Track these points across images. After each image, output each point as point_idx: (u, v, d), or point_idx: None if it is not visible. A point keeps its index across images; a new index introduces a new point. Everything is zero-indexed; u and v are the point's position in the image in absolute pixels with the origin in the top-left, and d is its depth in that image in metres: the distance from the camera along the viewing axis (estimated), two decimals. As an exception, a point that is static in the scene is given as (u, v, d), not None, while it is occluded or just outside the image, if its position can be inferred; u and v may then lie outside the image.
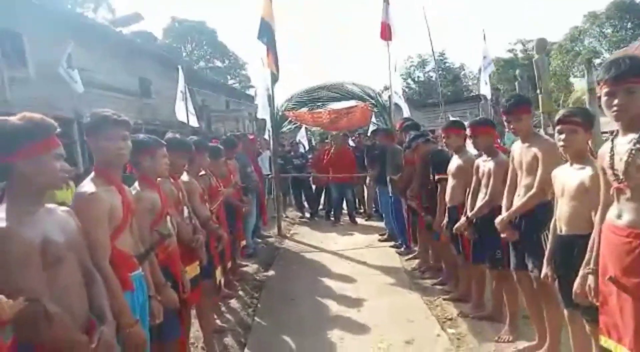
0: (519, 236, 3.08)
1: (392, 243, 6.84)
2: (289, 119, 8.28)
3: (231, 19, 72.83)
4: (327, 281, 5.32)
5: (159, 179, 3.06)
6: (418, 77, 46.84)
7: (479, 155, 3.78)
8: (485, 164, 3.58)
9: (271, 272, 5.82)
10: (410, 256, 6.07)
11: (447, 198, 4.17)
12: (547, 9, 64.63)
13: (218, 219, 4.38)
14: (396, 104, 7.99)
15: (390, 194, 6.28)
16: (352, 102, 7.92)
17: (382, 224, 8.38)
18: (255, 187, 6.68)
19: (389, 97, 7.99)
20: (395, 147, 6.08)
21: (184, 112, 9.04)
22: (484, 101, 12.20)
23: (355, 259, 6.17)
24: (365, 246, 6.92)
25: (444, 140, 4.09)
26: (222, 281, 4.78)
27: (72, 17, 11.22)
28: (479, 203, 3.62)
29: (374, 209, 9.39)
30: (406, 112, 8.03)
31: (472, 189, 3.73)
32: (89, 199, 2.09)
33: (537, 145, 2.92)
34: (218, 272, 3.83)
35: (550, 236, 2.70)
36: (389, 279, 5.29)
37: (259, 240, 7.41)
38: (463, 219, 3.71)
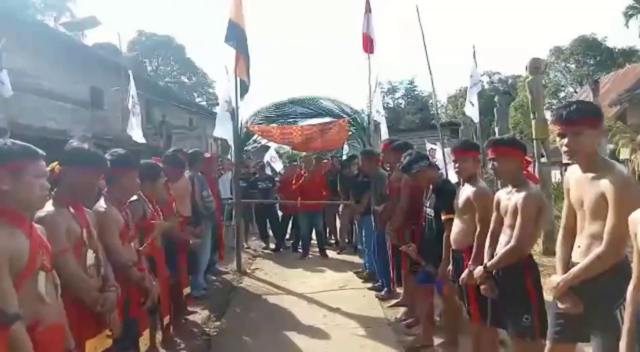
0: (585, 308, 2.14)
1: (370, 284, 5.87)
2: (255, 135, 7.27)
3: (201, 36, 71.31)
4: (293, 337, 4.25)
5: (44, 211, 2.03)
6: (387, 104, 47.13)
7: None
8: (509, 198, 2.70)
9: (224, 323, 4.70)
10: (393, 301, 5.10)
11: (452, 239, 3.26)
12: (512, 42, 67.13)
13: (154, 261, 3.33)
14: (375, 124, 7.12)
15: (374, 228, 5.33)
16: (327, 119, 6.99)
17: (356, 259, 7.46)
18: (212, 214, 5.60)
19: (368, 115, 7.13)
20: (380, 172, 5.17)
21: (132, 125, 7.89)
22: (464, 127, 11.60)
23: (328, 305, 5.13)
24: (339, 287, 5.90)
25: (456, 165, 3.19)
26: (159, 339, 3.69)
27: (10, 15, 9.96)
28: (499, 249, 2.72)
29: (346, 241, 8.43)
30: (385, 134, 7.18)
31: (491, 229, 2.84)
32: None
33: (608, 177, 2.02)
34: (143, 339, 2.73)
35: (627, 310, 1.80)
36: (370, 334, 4.28)
37: (214, 277, 6.28)
38: (479, 269, 2.79)
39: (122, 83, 8.30)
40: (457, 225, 3.20)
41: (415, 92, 47.36)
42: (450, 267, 3.33)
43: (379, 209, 4.68)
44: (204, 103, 37.47)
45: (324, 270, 6.86)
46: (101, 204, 2.63)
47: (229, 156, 9.38)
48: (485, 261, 2.80)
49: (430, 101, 47.78)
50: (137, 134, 7.96)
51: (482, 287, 2.78)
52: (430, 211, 3.66)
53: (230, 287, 6.05)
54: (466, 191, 3.11)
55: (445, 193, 3.51)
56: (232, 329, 4.54)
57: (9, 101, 9.70)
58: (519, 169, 2.70)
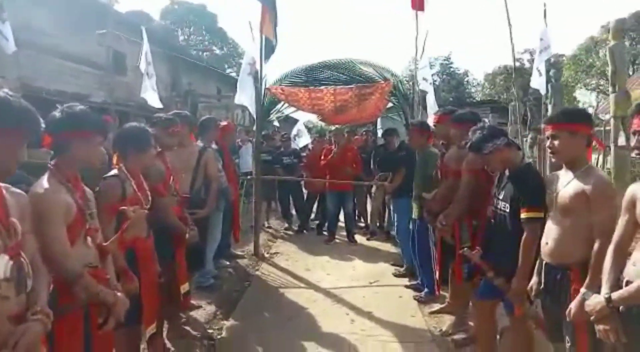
0: None
1: (406, 281, 5.01)
2: (280, 103, 6.34)
3: (232, 4, 69.21)
4: (313, 350, 3.45)
5: None
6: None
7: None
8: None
9: (232, 323, 3.94)
10: (436, 307, 4.22)
11: (545, 249, 2.32)
12: (561, 19, 63.11)
13: (135, 256, 2.56)
14: (422, 95, 6.05)
15: (415, 216, 4.43)
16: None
17: (388, 247, 6.61)
18: (223, 191, 4.79)
19: (413, 83, 6.08)
20: (430, 150, 4.23)
21: (146, 88, 7.10)
22: (515, 102, 10.36)
23: (356, 307, 4.30)
24: (370, 283, 5.05)
25: (551, 143, 2.23)
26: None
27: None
28: (632, 272, 1.79)
29: (377, 225, 7.55)
30: (433, 107, 6.12)
31: (616, 240, 1.90)
32: None
33: None
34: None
35: None
36: (409, 351, 3.44)
37: (227, 263, 5.52)
38: (596, 300, 1.87)
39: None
40: (557, 229, 2.22)
41: (451, 70, 45.24)
42: (534, 283, 2.41)
43: (428, 197, 3.75)
44: (233, 74, 36.72)
45: (352, 259, 6.02)
46: (41, 184, 1.81)
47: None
48: (604, 288, 1.88)
49: (467, 79, 45.58)
50: (152, 98, 7.16)
51: (599, 327, 1.86)
52: (503, 205, 2.71)
53: (244, 275, 5.29)
54: (575, 183, 2.14)
55: (530, 182, 2.55)
56: (239, 332, 3.78)
57: (22, 62, 9.12)
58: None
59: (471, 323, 3.63)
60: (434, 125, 3.90)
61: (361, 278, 5.20)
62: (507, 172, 2.75)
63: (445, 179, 3.69)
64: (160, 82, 15.93)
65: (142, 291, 2.57)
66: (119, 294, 1.98)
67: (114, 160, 2.74)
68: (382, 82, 5.52)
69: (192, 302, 4.11)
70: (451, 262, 3.79)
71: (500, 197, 2.75)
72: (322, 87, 5.59)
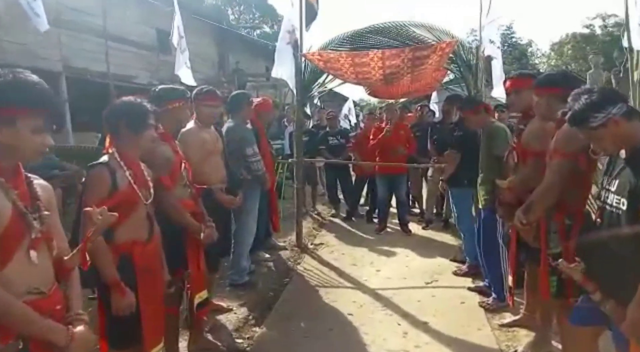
0: None
1: (470, 282, 4.27)
2: (322, 76, 5.66)
3: (284, -18, 67.26)
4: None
5: None
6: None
7: None
8: None
9: (263, 331, 3.41)
10: (508, 318, 3.48)
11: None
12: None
13: (131, 262, 2.07)
14: (489, 60, 5.10)
15: (481, 206, 3.67)
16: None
17: (447, 238, 5.88)
18: (259, 178, 4.22)
19: (477, 48, 5.17)
20: (495, 125, 3.44)
21: (180, 64, 6.64)
22: (593, 69, 9.03)
23: (410, 315, 3.63)
24: (426, 283, 4.35)
25: None
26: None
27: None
28: None
29: (434, 212, 6.77)
30: (500, 77, 5.18)
31: None
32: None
33: None
34: None
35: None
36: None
37: (267, 255, 5.02)
38: None
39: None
40: None
41: (513, 39, 42.24)
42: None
43: (502, 184, 2.97)
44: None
45: (405, 252, 5.33)
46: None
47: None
48: None
49: (530, 49, 42.43)
50: (185, 75, 6.70)
51: None
52: (617, 200, 1.93)
53: (284, 270, 4.76)
54: None
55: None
56: (272, 343, 3.24)
57: (64, 42, 9.00)
58: None
59: (556, 344, 2.89)
60: (507, 93, 3.09)
61: (416, 277, 4.51)
62: (622, 154, 1.96)
63: (522, 162, 2.90)
64: (208, 61, 15.72)
65: (142, 307, 2.08)
66: (78, 328, 1.45)
67: (106, 143, 2.23)
68: (442, 43, 4.62)
69: (222, 304, 3.69)
70: (528, 264, 3.07)
71: (613, 188, 1.96)
72: (368, 51, 4.75)
